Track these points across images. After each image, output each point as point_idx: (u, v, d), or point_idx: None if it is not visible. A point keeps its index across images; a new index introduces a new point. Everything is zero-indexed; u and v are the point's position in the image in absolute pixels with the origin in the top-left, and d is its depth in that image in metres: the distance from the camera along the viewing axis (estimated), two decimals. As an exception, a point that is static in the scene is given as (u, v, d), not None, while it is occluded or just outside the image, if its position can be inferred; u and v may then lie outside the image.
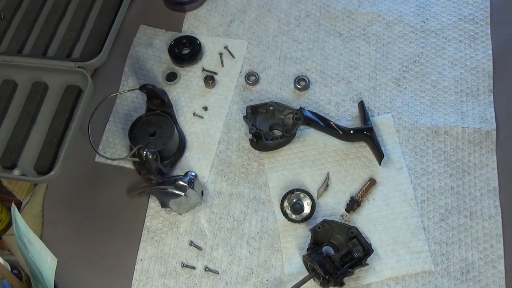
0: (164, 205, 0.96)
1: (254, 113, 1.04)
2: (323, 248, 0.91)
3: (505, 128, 1.02)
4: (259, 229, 0.98)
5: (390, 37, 1.14)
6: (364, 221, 0.96)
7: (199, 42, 1.16)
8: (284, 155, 1.03)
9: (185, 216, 1.00)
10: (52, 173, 0.86)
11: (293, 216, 0.96)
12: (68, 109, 0.94)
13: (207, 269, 0.95)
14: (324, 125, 1.02)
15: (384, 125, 1.04)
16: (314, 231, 0.91)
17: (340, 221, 0.95)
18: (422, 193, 0.98)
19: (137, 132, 1.02)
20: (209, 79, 1.11)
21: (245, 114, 1.04)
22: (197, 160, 1.05)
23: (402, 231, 0.94)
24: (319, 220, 0.94)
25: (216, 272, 0.95)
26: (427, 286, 0.90)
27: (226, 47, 1.16)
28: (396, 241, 0.94)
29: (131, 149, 1.01)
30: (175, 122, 1.06)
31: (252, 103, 1.08)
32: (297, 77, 1.11)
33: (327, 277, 0.85)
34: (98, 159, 1.07)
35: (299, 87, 1.09)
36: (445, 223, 0.95)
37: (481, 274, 0.90)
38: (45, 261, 0.84)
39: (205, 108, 1.10)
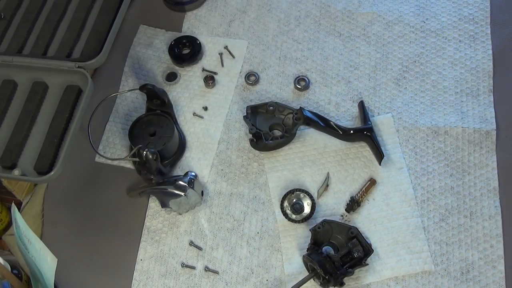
0: (164, 205, 0.96)
1: (254, 113, 1.04)
2: (323, 248, 0.91)
3: (505, 128, 1.02)
4: (259, 229, 0.98)
5: (390, 37, 1.14)
6: (364, 221, 0.96)
7: (199, 42, 1.16)
8: (284, 155, 1.03)
9: (185, 216, 1.00)
10: (52, 173, 0.86)
11: (293, 216, 0.96)
12: (68, 109, 0.94)
13: (207, 269, 0.95)
14: (324, 125, 1.02)
15: (384, 125, 1.04)
16: (314, 231, 0.91)
17: (340, 221, 0.95)
18: (422, 193, 0.98)
19: (137, 132, 1.02)
20: (209, 79, 1.11)
21: (245, 114, 1.04)
22: (197, 160, 1.05)
23: (402, 231, 0.94)
24: (319, 220, 0.94)
25: (216, 272, 0.95)
26: (427, 286, 0.90)
27: (226, 47, 1.16)
28: (396, 241, 0.94)
29: (131, 149, 1.01)
30: (175, 122, 1.06)
31: (252, 103, 1.08)
32: (297, 77, 1.11)
33: (327, 277, 0.85)
34: (98, 159, 1.07)
35: (299, 87, 1.09)
36: (445, 223, 0.95)
37: (481, 274, 0.90)
38: (45, 261, 0.84)
39: (205, 108, 1.10)
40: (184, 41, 1.16)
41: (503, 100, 1.05)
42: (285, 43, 1.16)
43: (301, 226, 0.96)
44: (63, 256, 0.89)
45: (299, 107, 1.03)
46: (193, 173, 0.98)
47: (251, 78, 1.12)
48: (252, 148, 1.04)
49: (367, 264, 0.90)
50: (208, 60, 1.16)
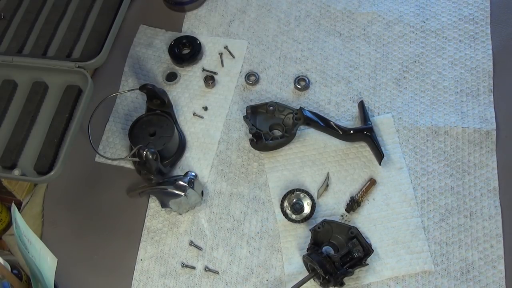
0: (164, 205, 0.96)
1: (254, 113, 1.04)
2: (323, 248, 0.91)
3: (505, 128, 1.02)
4: (259, 229, 0.98)
5: (390, 37, 1.14)
6: (364, 221, 0.96)
7: (199, 42, 1.16)
8: (284, 155, 1.03)
9: (185, 216, 1.00)
10: (52, 173, 0.86)
11: (293, 216, 0.96)
12: (68, 109, 0.94)
13: (207, 269, 0.95)
14: (324, 125, 1.02)
15: (384, 125, 1.04)
16: (314, 231, 0.91)
17: (340, 221, 0.95)
18: (422, 193, 0.98)
19: (137, 132, 1.02)
20: (209, 79, 1.11)
21: (245, 114, 1.04)
22: (197, 160, 1.05)
23: (402, 231, 0.94)
24: (319, 220, 0.94)
25: (216, 272, 0.95)
26: (427, 286, 0.90)
27: (226, 47, 1.16)
28: (396, 241, 0.94)
29: (131, 149, 1.01)
30: (175, 122, 1.06)
31: (252, 103, 1.08)
32: (297, 77, 1.11)
33: (327, 277, 0.85)
34: (98, 159, 1.07)
35: (299, 87, 1.09)
36: (445, 223, 0.95)
37: (481, 274, 0.90)
38: (45, 261, 0.84)
39: (205, 108, 1.10)
40: (184, 41, 1.16)
41: (503, 100, 1.05)
42: (285, 43, 1.16)
43: (301, 226, 0.96)
44: (63, 256, 0.89)
45: (299, 107, 1.03)
46: (193, 173, 0.98)
47: (251, 78, 1.12)
48: (252, 148, 1.04)
49: (367, 264, 0.90)
50: (208, 60, 1.16)
